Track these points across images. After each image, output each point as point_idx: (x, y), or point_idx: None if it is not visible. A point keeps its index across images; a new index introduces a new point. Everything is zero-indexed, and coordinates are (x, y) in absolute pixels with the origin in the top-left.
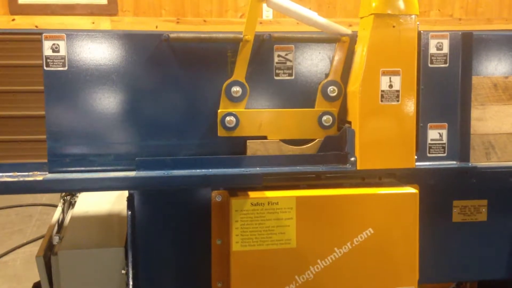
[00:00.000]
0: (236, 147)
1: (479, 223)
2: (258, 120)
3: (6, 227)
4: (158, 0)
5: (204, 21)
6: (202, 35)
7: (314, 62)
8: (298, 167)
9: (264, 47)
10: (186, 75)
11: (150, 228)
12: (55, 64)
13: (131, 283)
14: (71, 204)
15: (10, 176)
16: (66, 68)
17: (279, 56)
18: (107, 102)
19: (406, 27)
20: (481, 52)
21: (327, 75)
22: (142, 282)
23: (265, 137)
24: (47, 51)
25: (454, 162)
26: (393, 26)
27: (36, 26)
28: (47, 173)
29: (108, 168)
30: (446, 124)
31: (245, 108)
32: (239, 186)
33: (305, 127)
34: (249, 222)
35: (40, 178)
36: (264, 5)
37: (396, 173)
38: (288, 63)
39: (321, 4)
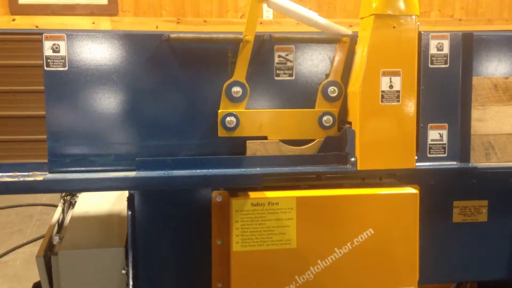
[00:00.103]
0: (236, 148)
1: (480, 223)
2: (258, 120)
3: (6, 227)
4: (159, 0)
5: (205, 21)
6: (203, 36)
7: (314, 63)
8: (298, 168)
9: (265, 48)
10: (187, 75)
11: (150, 228)
12: (56, 64)
13: (131, 283)
14: (71, 204)
15: (10, 176)
16: (66, 68)
17: (279, 56)
18: (108, 102)
19: (407, 28)
20: (481, 53)
21: (327, 76)
22: (142, 282)
23: (265, 138)
24: (48, 51)
25: (455, 163)
26: (394, 27)
27: (36, 26)
28: (47, 173)
29: (108, 168)
30: (446, 124)
31: (245, 109)
32: (239, 187)
33: (305, 128)
34: (249, 222)
35: (40, 178)
36: (264, 6)
37: (397, 173)
38: (289, 64)
39: (321, 5)
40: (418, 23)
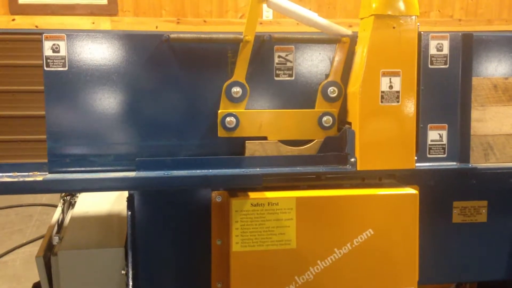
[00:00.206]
0: (236, 148)
1: (479, 224)
2: (258, 120)
3: (6, 227)
4: (158, 0)
5: (204, 21)
6: (202, 36)
7: (314, 63)
8: (298, 168)
9: (264, 48)
10: (186, 75)
11: (150, 228)
12: (55, 64)
13: (131, 283)
14: (71, 204)
15: (10, 176)
16: (66, 69)
17: (279, 56)
18: (107, 102)
19: (406, 28)
20: (481, 53)
21: (327, 76)
22: (142, 282)
23: (265, 138)
24: (47, 51)
25: (454, 163)
26: (393, 27)
27: (36, 26)
28: (47, 173)
29: (108, 168)
30: (446, 125)
31: (245, 109)
32: (239, 187)
33: (305, 128)
34: (249, 222)
35: (40, 178)
36: (264, 6)
37: (396, 174)
38: (288, 64)
39: (321, 5)
40: (418, 24)
